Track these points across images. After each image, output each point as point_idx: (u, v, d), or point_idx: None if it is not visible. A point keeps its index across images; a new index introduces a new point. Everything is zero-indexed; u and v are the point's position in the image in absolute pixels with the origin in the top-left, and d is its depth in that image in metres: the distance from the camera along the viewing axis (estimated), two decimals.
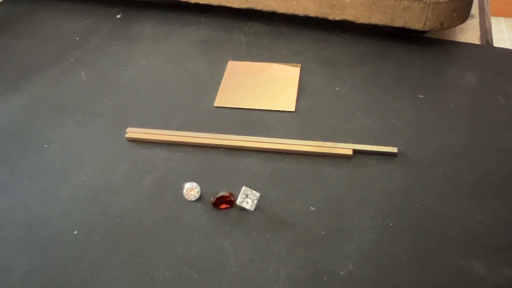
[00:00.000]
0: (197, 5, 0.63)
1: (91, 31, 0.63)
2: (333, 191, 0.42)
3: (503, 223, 0.39)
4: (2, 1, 0.70)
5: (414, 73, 0.54)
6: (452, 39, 0.59)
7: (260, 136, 0.47)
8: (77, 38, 0.61)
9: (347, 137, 0.47)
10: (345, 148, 0.45)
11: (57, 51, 0.59)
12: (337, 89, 0.53)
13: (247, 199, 0.41)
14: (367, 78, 0.54)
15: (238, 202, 0.41)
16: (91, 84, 0.54)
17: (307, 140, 0.46)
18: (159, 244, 0.38)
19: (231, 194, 0.41)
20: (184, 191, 0.42)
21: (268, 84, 0.53)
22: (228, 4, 0.61)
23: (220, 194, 0.41)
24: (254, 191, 0.41)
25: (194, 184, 0.42)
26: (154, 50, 0.59)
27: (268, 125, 0.48)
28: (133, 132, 0.48)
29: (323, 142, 0.46)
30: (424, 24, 0.55)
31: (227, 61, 0.57)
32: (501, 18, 2.09)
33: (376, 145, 0.45)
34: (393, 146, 0.45)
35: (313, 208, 0.41)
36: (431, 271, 0.36)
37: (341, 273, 0.36)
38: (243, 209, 0.41)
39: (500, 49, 0.58)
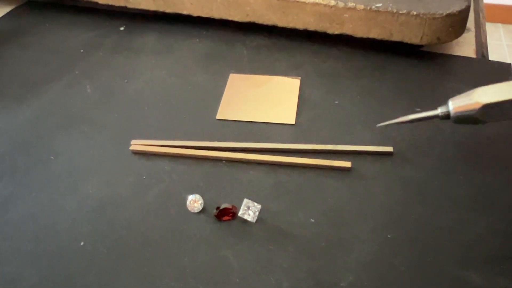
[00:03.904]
0: (199, 18, 0.64)
1: (96, 44, 0.64)
2: (333, 203, 0.43)
3: (500, 235, 0.40)
4: (7, 13, 0.71)
5: (411, 86, 0.56)
6: (448, 53, 0.61)
7: (261, 149, 0.48)
8: (82, 51, 0.63)
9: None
10: (344, 161, 0.46)
11: (63, 63, 0.61)
12: (336, 102, 0.54)
13: (249, 211, 0.42)
14: (366, 91, 0.55)
15: (240, 214, 0.42)
16: (96, 97, 0.55)
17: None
18: (164, 255, 0.39)
19: (234, 206, 0.42)
20: (188, 203, 0.43)
21: (268, 97, 0.55)
22: (230, 18, 0.63)
23: (223, 206, 0.42)
24: (255, 203, 0.42)
25: (197, 196, 0.43)
26: (158, 62, 0.60)
27: (268, 138, 0.50)
28: (137, 145, 0.49)
29: (322, 146, 0.47)
30: (421, 38, 0.56)
31: (229, 74, 0.58)
32: (499, 25, 2.11)
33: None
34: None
35: (313, 220, 0.42)
36: (429, 282, 0.37)
37: (342, 284, 0.37)
38: (245, 221, 0.42)
39: (495, 62, 0.59)
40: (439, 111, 0.45)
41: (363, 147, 0.47)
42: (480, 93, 0.44)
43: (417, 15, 0.55)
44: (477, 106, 0.43)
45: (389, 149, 0.47)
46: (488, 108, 0.43)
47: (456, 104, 0.44)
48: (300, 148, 0.48)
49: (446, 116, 0.45)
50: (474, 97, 0.43)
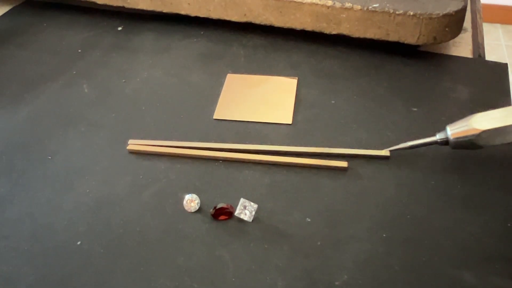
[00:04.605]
0: (197, 18, 0.64)
1: (93, 43, 0.64)
2: (329, 202, 0.43)
3: (494, 235, 0.41)
4: (5, 13, 0.71)
5: (408, 86, 0.56)
6: (445, 53, 0.61)
7: (258, 150, 0.48)
8: (79, 50, 0.63)
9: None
10: (340, 161, 0.46)
11: (60, 63, 0.61)
12: (333, 102, 0.54)
13: (245, 210, 0.42)
14: (362, 91, 0.55)
15: (236, 213, 0.42)
16: (93, 96, 0.56)
17: (303, 153, 0.48)
18: (160, 254, 0.40)
19: (230, 205, 0.42)
20: (184, 202, 0.43)
21: (265, 97, 0.55)
22: (227, 18, 0.63)
23: (219, 205, 0.42)
24: (252, 203, 0.42)
25: (194, 195, 0.43)
26: (155, 62, 0.61)
27: (265, 138, 0.50)
28: (134, 144, 0.49)
29: (319, 148, 0.47)
30: (418, 38, 0.56)
31: (226, 74, 0.58)
32: (498, 25, 2.11)
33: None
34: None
35: (309, 220, 0.42)
36: (423, 282, 0.38)
37: (336, 283, 0.37)
38: (241, 221, 0.42)
39: (491, 62, 0.59)
40: (438, 137, 0.46)
41: (360, 150, 0.47)
42: (477, 119, 0.44)
43: (413, 15, 0.55)
44: (475, 132, 0.43)
45: (386, 153, 0.47)
46: (486, 134, 0.43)
47: (454, 131, 0.45)
48: (296, 150, 0.48)
49: (445, 142, 0.45)
50: (471, 123, 0.44)
